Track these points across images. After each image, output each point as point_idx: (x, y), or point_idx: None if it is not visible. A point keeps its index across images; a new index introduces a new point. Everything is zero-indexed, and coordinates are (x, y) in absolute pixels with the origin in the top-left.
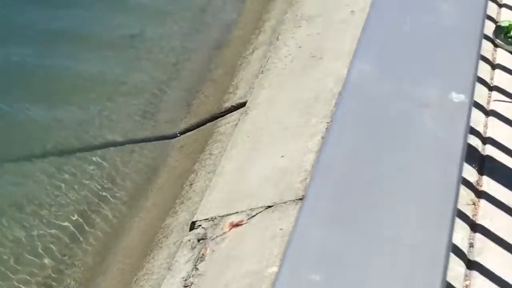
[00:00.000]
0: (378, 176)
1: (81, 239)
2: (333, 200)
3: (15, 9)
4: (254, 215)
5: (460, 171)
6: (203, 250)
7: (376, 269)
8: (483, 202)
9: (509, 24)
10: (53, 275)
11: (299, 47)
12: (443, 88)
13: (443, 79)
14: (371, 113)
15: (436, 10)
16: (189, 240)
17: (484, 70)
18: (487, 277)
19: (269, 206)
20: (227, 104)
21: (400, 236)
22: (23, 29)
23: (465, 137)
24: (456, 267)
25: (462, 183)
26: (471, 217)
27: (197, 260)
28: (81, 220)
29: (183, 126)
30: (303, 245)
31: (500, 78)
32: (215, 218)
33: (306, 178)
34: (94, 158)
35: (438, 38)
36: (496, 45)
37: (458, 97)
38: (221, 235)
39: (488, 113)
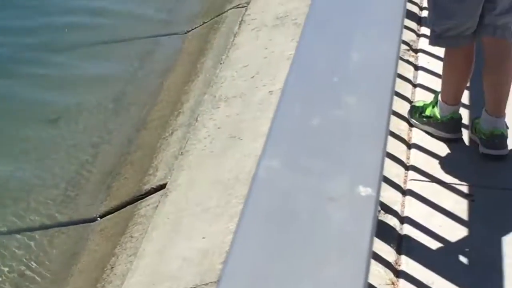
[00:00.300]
0: (287, 271)
1: None
2: None
3: None
4: None
5: (368, 265)
6: None
7: None
8: (402, 282)
9: (424, 104)
10: None
11: (218, 128)
12: (350, 182)
13: (351, 173)
14: (279, 209)
15: (344, 104)
16: None
17: (400, 150)
18: None
19: None
20: (147, 186)
21: None
22: None
23: (373, 231)
24: None
25: (381, 263)
26: None
27: None
28: None
29: (103, 209)
30: None
31: (416, 158)
32: None
33: None
34: (13, 244)
35: (346, 131)
36: (411, 125)
37: (365, 191)
38: None
39: (405, 192)
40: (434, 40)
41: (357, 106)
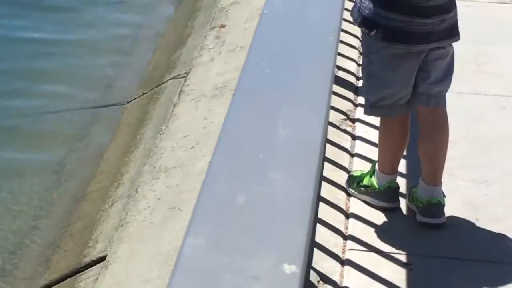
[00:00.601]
0: None
1: None
2: None
3: None
4: None
5: None
6: None
7: None
8: None
9: (361, 174)
10: None
11: (158, 199)
12: (275, 259)
13: (276, 250)
14: None
15: (270, 181)
16: None
17: (338, 220)
18: None
19: None
20: (87, 259)
21: None
22: None
23: None
24: None
25: None
26: None
27: None
28: None
29: (42, 282)
30: None
31: (354, 227)
32: None
33: None
34: None
35: (271, 209)
36: (349, 195)
37: (290, 268)
38: None
39: (343, 262)
40: (369, 109)
41: (282, 182)
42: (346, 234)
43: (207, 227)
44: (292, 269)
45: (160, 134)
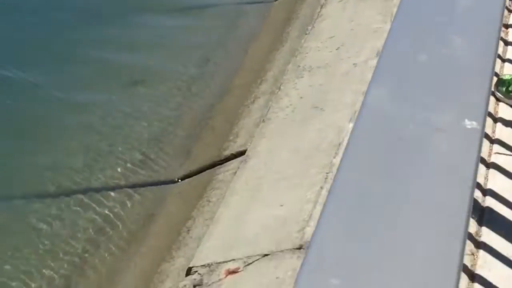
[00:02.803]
0: (393, 194)
1: (75, 282)
2: (350, 214)
3: None
4: (251, 263)
5: (472, 194)
6: None
7: (391, 277)
8: (482, 253)
9: (511, 78)
10: None
11: (301, 97)
12: (456, 115)
13: (457, 106)
14: (386, 135)
15: (450, 43)
16: (185, 286)
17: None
18: None
19: (266, 255)
20: (227, 152)
21: (414, 250)
22: None
23: (477, 162)
24: None
25: None
26: (469, 267)
27: None
28: (76, 264)
29: (182, 172)
30: (322, 253)
31: (501, 132)
32: (212, 264)
33: (304, 228)
34: (91, 202)
35: (452, 69)
36: (497, 99)
37: (471, 124)
38: (217, 281)
39: (489, 165)
40: None
41: (464, 46)
42: (493, 138)
43: (390, 78)
44: (474, 124)
45: (306, 34)
